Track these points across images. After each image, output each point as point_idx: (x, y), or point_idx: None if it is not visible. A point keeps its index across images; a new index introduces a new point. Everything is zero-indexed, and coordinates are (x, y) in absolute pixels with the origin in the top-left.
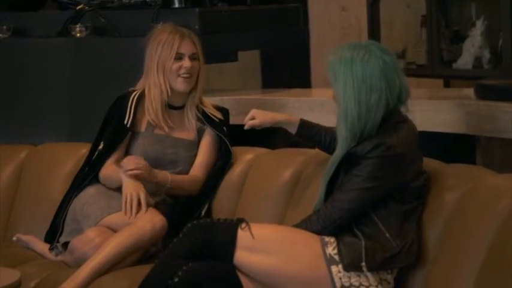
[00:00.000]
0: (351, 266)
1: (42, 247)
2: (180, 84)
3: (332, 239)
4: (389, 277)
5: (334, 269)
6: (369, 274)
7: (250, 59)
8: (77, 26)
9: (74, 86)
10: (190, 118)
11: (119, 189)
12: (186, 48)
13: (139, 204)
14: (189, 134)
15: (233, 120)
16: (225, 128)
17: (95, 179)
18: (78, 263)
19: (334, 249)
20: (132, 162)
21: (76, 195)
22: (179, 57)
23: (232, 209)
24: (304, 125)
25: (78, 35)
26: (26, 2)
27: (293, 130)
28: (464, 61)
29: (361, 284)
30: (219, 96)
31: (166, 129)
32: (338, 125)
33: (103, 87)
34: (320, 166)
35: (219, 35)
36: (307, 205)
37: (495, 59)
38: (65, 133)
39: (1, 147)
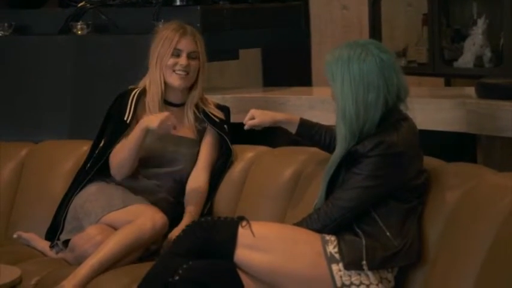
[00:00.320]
0: (352, 264)
1: (43, 245)
2: (174, 80)
3: (333, 238)
4: (390, 276)
5: (334, 267)
6: (369, 273)
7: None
8: (78, 23)
9: (75, 84)
10: (190, 116)
11: (120, 187)
12: (185, 45)
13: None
14: (189, 132)
15: (234, 118)
16: (225, 126)
17: (96, 177)
18: (79, 260)
19: (334, 247)
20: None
21: (77, 193)
22: (177, 53)
23: (233, 207)
24: (304, 124)
25: (79, 32)
26: (28, 0)
27: (293, 129)
28: (466, 60)
29: (361, 283)
30: (220, 94)
31: None
32: (337, 124)
33: (104, 85)
34: (321, 164)
35: (220, 33)
36: (307, 203)
37: (496, 58)
38: (65, 131)
39: (2, 145)
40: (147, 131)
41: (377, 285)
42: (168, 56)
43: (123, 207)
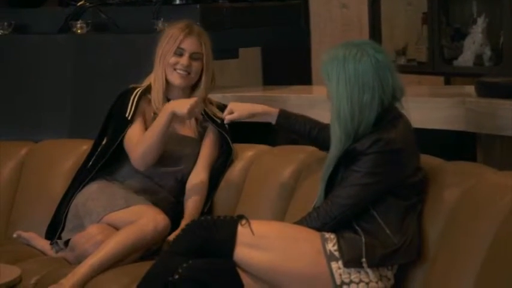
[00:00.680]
0: (351, 262)
1: (43, 244)
2: (174, 79)
3: (332, 236)
4: (390, 273)
5: (334, 265)
6: (369, 270)
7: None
8: (78, 22)
9: (74, 83)
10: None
11: (122, 186)
12: (189, 45)
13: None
14: (191, 132)
15: None
16: (226, 125)
17: (98, 175)
18: (79, 259)
19: (334, 245)
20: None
21: (78, 191)
22: (180, 52)
23: (233, 206)
24: (283, 115)
25: (79, 31)
26: None
27: (273, 121)
28: (465, 58)
29: (361, 281)
30: (220, 93)
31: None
32: (332, 125)
33: (104, 84)
34: (320, 163)
35: (220, 32)
36: (307, 202)
37: (496, 57)
38: (65, 130)
39: (2, 144)
40: (173, 116)
41: (376, 283)
42: (171, 54)
43: (125, 207)
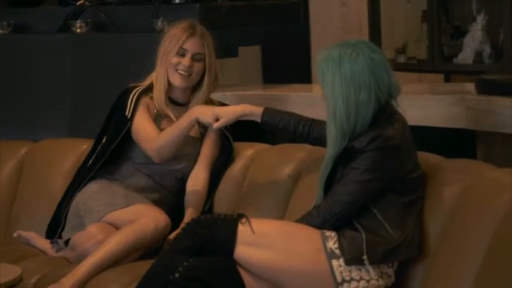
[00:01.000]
0: (353, 259)
1: (43, 243)
2: (175, 79)
3: (333, 233)
4: (390, 271)
5: (335, 263)
6: (370, 268)
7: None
8: (77, 21)
9: (74, 82)
10: None
11: (122, 185)
12: (191, 46)
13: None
14: (193, 131)
15: None
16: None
17: (98, 174)
18: (80, 259)
19: (334, 243)
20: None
21: (79, 190)
22: (182, 53)
23: (233, 205)
24: (267, 113)
25: (78, 30)
26: None
27: (258, 119)
28: (465, 56)
29: (361, 278)
30: (220, 92)
31: (173, 118)
32: (328, 125)
33: (103, 83)
34: (321, 161)
35: (219, 31)
36: (307, 201)
37: (496, 54)
38: (65, 129)
39: (1, 143)
40: (196, 122)
41: (377, 280)
42: (173, 54)
43: (125, 206)
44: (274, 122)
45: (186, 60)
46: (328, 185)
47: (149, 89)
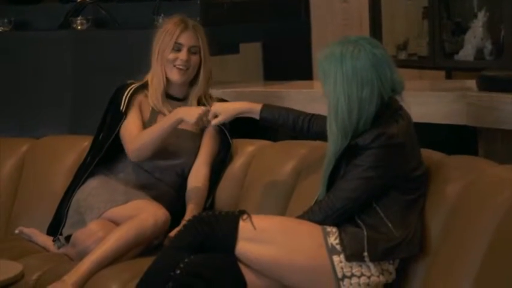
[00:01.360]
0: (353, 256)
1: (45, 240)
2: (174, 75)
3: (334, 229)
4: (391, 267)
5: (336, 258)
6: (370, 264)
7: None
8: (78, 18)
9: (75, 79)
10: None
11: (122, 181)
12: (186, 39)
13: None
14: (191, 125)
15: None
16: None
17: (97, 170)
18: (81, 256)
19: (336, 239)
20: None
21: (79, 187)
22: (178, 48)
23: (234, 201)
24: (266, 110)
25: (79, 27)
26: None
27: (256, 116)
28: (466, 53)
29: (362, 274)
30: (221, 88)
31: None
32: (329, 123)
33: (104, 80)
34: (322, 158)
35: (220, 27)
36: (308, 197)
37: (497, 51)
38: (66, 126)
39: (2, 141)
40: (181, 122)
41: (378, 276)
42: (169, 50)
43: (125, 202)
44: (273, 119)
45: (183, 55)
46: (331, 181)
47: (145, 85)
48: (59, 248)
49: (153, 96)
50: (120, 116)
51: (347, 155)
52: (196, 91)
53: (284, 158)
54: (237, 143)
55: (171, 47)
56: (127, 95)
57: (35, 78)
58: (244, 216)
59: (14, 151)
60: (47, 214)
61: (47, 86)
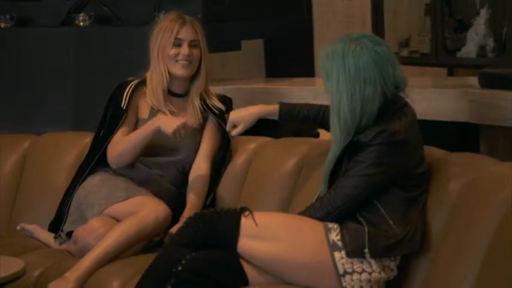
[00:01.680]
0: (354, 252)
1: (46, 236)
2: (178, 69)
3: (335, 226)
4: (393, 264)
5: (337, 255)
6: (371, 261)
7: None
8: (80, 15)
9: (77, 75)
10: (196, 106)
11: (123, 178)
12: (186, 34)
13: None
14: (192, 121)
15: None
16: (226, 116)
17: (98, 167)
18: (82, 252)
19: (337, 235)
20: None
21: (80, 184)
22: (178, 43)
23: (236, 198)
24: (284, 109)
25: (81, 24)
26: None
27: (275, 117)
28: (468, 50)
29: (363, 270)
30: (222, 85)
31: (168, 114)
32: (331, 121)
33: (106, 76)
34: (323, 155)
35: (222, 24)
36: (310, 194)
37: (499, 48)
38: (68, 122)
39: (4, 137)
40: (158, 131)
41: (379, 273)
42: (170, 47)
43: (126, 198)
44: (294, 115)
45: (184, 49)
46: (333, 178)
47: (145, 83)
48: (60, 244)
49: (152, 94)
50: (121, 113)
51: (349, 151)
52: (197, 85)
53: (285, 155)
54: (238, 140)
55: (172, 43)
56: (128, 91)
57: (37, 74)
58: (246, 213)
59: (15, 147)
60: (48, 210)
61: (49, 83)
